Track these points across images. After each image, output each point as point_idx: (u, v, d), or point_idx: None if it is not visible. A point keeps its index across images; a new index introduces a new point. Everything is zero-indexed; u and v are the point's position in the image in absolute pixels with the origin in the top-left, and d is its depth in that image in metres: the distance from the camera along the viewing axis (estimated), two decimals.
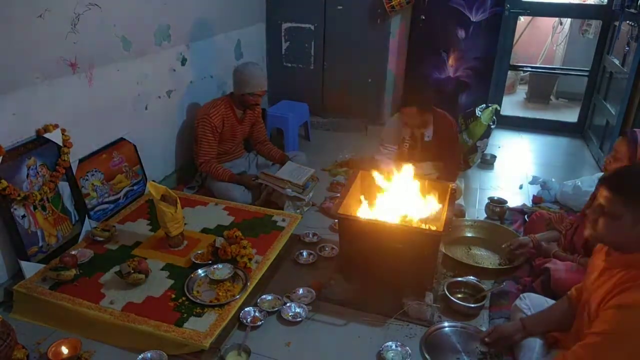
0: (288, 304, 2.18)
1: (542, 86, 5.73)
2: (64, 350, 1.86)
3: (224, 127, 3.07)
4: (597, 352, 1.38)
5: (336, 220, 2.50)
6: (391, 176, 2.40)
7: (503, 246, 2.51)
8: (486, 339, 1.89)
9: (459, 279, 2.32)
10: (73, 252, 2.28)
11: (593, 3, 5.38)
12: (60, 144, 2.37)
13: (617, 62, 3.81)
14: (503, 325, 1.89)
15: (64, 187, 2.45)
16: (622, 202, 1.36)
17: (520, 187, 3.50)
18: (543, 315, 1.81)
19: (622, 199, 1.36)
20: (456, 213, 2.89)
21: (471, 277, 2.33)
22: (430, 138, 3.01)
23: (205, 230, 2.61)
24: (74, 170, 2.50)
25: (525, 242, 2.43)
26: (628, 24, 3.64)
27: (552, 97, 5.82)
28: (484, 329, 2.06)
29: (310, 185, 3.04)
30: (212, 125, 2.99)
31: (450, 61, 3.80)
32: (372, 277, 2.30)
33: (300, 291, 2.28)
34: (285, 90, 4.49)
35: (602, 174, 3.31)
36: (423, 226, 2.22)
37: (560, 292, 2.01)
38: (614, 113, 3.70)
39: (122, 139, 2.82)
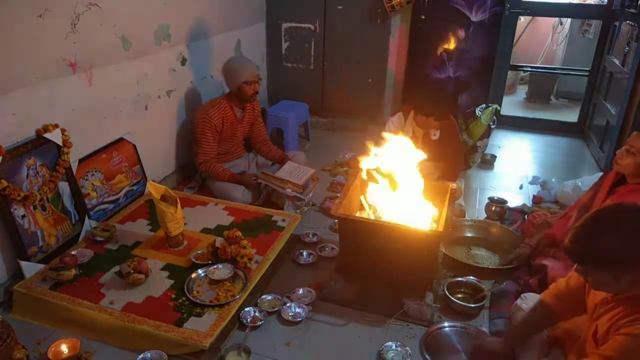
0: (288, 304, 2.18)
1: (542, 86, 5.73)
2: (64, 350, 1.86)
3: (223, 127, 3.06)
4: None
5: (336, 220, 2.50)
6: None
7: (510, 257, 2.50)
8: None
9: (459, 279, 2.32)
10: (73, 252, 2.28)
11: (593, 3, 5.38)
12: (60, 144, 2.37)
13: (617, 62, 3.81)
14: (489, 344, 1.84)
15: (64, 187, 2.45)
16: (594, 269, 1.36)
17: (520, 187, 3.50)
18: (523, 326, 1.80)
19: (592, 267, 1.35)
20: (456, 213, 2.89)
21: (471, 277, 2.33)
22: (437, 137, 3.02)
23: (205, 230, 2.61)
24: (74, 170, 2.50)
25: (525, 252, 2.43)
26: (628, 24, 3.64)
27: (552, 97, 5.82)
28: (484, 329, 2.07)
29: (310, 185, 3.04)
30: (212, 125, 2.99)
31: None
32: (372, 277, 2.30)
33: (300, 291, 2.28)
34: (285, 90, 4.49)
35: (602, 174, 3.32)
36: (423, 226, 2.22)
37: None
38: (614, 113, 3.70)
39: (122, 139, 2.82)
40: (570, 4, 5.17)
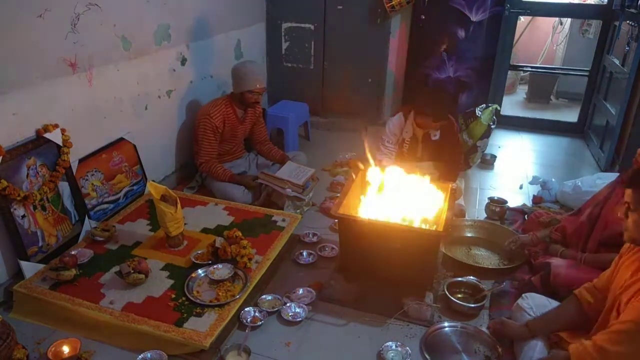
0: (288, 304, 2.18)
1: (542, 86, 5.73)
2: (64, 350, 1.86)
3: (224, 127, 3.07)
4: (623, 338, 1.37)
5: (336, 220, 2.50)
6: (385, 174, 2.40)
7: (505, 244, 2.51)
8: (490, 330, 1.89)
9: (459, 279, 2.32)
10: (73, 252, 2.28)
11: (593, 3, 5.38)
12: (60, 144, 2.37)
13: (617, 62, 3.81)
14: (510, 325, 1.87)
15: (64, 187, 2.45)
16: None
17: (520, 187, 3.50)
18: (549, 318, 1.81)
19: None
20: (456, 213, 2.89)
21: (471, 277, 2.33)
22: (438, 137, 3.02)
23: (205, 230, 2.61)
24: (74, 170, 2.50)
25: (526, 241, 2.44)
26: (628, 23, 3.64)
27: (552, 97, 5.82)
28: (484, 329, 2.06)
29: (310, 185, 3.04)
30: (213, 125, 2.99)
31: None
32: (372, 277, 2.30)
33: (300, 291, 2.28)
34: (285, 90, 4.50)
35: (602, 173, 3.32)
36: (423, 226, 2.22)
37: (558, 288, 2.02)
38: (614, 113, 3.70)
39: (122, 139, 2.82)
40: (570, 4, 5.18)
